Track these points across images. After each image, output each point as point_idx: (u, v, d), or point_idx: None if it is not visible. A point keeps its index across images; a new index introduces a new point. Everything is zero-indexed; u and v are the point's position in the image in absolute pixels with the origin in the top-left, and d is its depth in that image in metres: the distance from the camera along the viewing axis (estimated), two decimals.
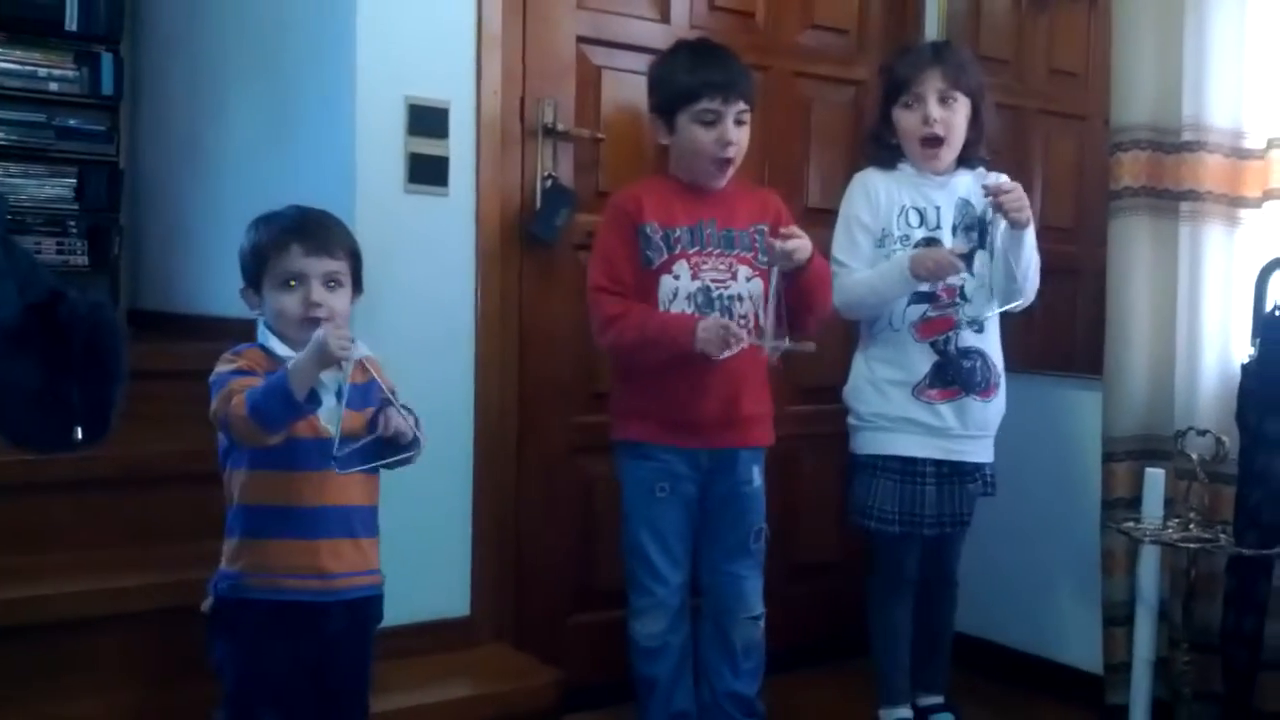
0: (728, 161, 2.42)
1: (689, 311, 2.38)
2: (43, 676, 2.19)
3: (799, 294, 2.38)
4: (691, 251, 2.41)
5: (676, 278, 2.40)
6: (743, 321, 2.38)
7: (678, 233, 2.41)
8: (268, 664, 1.95)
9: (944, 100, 2.56)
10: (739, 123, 2.41)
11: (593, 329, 2.45)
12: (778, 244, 2.30)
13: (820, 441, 3.04)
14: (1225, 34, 2.59)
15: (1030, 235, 2.52)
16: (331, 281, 1.98)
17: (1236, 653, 2.49)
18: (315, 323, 1.91)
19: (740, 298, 2.41)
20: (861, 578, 2.82)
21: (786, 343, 2.32)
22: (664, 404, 2.42)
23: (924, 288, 2.53)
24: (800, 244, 2.31)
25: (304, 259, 1.95)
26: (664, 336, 2.35)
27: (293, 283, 1.96)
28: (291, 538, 1.93)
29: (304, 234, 1.97)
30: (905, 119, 2.59)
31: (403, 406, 1.99)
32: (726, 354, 2.28)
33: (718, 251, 2.42)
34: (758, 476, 2.51)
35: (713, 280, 2.41)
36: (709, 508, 2.49)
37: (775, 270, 2.31)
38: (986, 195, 2.48)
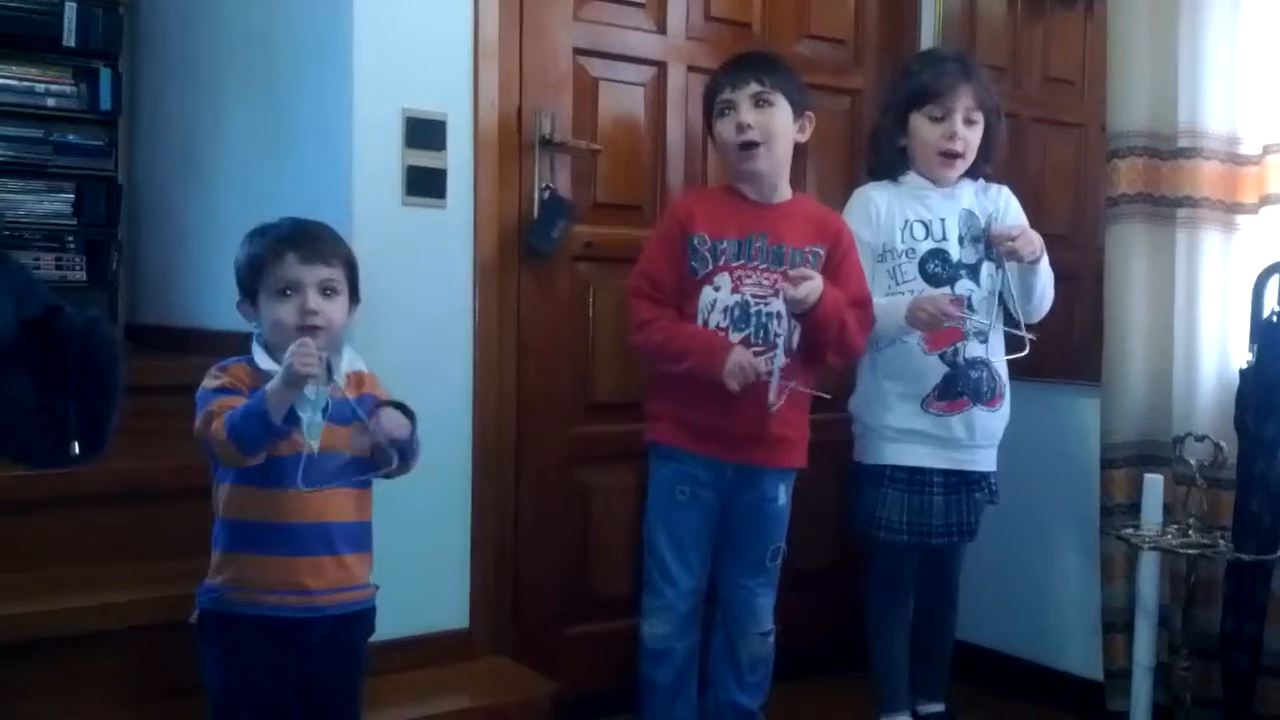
0: (751, 146, 2.39)
1: (724, 325, 2.37)
2: (37, 693, 2.18)
3: (813, 331, 2.35)
4: (735, 265, 2.39)
5: (717, 289, 2.39)
6: (778, 338, 2.36)
7: (724, 245, 2.40)
8: (251, 676, 1.95)
9: (968, 119, 2.58)
10: (759, 105, 2.38)
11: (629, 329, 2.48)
12: (787, 289, 2.28)
13: (817, 450, 3.03)
14: (1220, 41, 2.59)
15: (1044, 262, 2.54)
16: (327, 289, 1.97)
17: (1236, 658, 2.48)
18: (312, 331, 1.91)
19: (779, 316, 2.37)
20: (860, 585, 2.81)
21: (792, 383, 2.31)
22: (693, 412, 2.41)
23: (918, 334, 2.54)
24: (810, 288, 2.27)
25: (299, 266, 1.95)
26: (689, 349, 2.34)
27: (289, 291, 1.95)
28: (271, 554, 1.93)
29: (298, 243, 1.97)
30: (928, 129, 2.59)
31: (397, 405, 1.99)
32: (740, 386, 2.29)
33: (764, 267, 2.39)
34: (783, 495, 2.51)
35: (753, 295, 2.38)
36: (731, 521, 2.49)
37: (787, 311, 2.31)
38: (995, 245, 2.51)
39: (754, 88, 2.38)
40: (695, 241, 2.40)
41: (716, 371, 2.28)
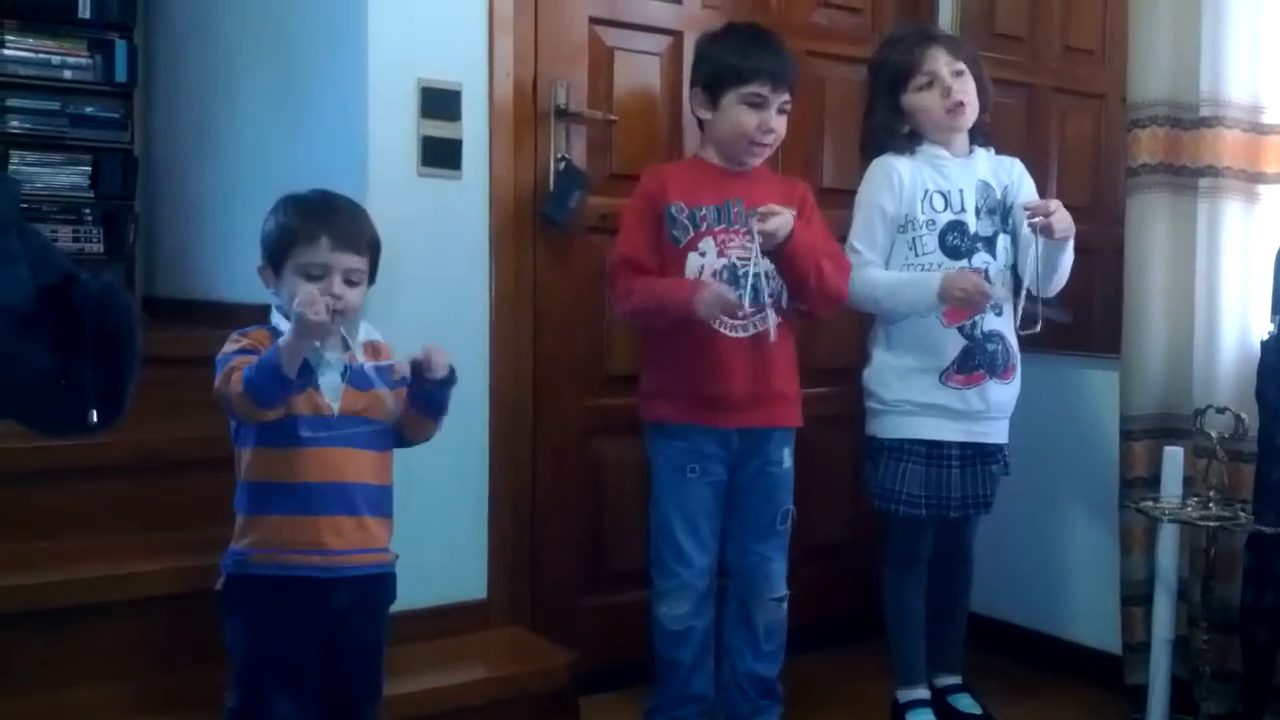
0: (764, 146, 2.46)
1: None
2: (58, 662, 2.20)
3: (792, 270, 2.38)
4: (718, 229, 2.43)
5: (703, 254, 2.42)
6: (771, 299, 2.40)
7: (704, 211, 2.43)
8: (274, 641, 1.96)
9: (955, 72, 2.58)
10: (781, 112, 2.44)
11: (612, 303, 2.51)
12: (755, 225, 2.31)
13: (832, 423, 3.03)
14: (1243, 8, 2.56)
15: (1070, 240, 2.52)
16: (352, 278, 1.98)
17: (1256, 631, 2.48)
18: (331, 315, 1.90)
19: (767, 275, 2.40)
20: (874, 558, 2.81)
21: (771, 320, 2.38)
22: (691, 383, 2.43)
23: (945, 309, 2.53)
24: (780, 222, 2.31)
25: (331, 253, 1.96)
26: (667, 298, 2.38)
27: (317, 274, 1.96)
28: (292, 513, 1.95)
29: (333, 226, 1.98)
30: (924, 98, 2.58)
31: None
32: (732, 324, 2.36)
33: (744, 229, 2.41)
34: (788, 458, 2.53)
35: (739, 258, 2.41)
36: (738, 487, 2.50)
37: (756, 248, 2.33)
38: (1031, 218, 2.47)
39: (785, 97, 2.44)
40: (673, 210, 2.43)
41: (686, 304, 2.32)
